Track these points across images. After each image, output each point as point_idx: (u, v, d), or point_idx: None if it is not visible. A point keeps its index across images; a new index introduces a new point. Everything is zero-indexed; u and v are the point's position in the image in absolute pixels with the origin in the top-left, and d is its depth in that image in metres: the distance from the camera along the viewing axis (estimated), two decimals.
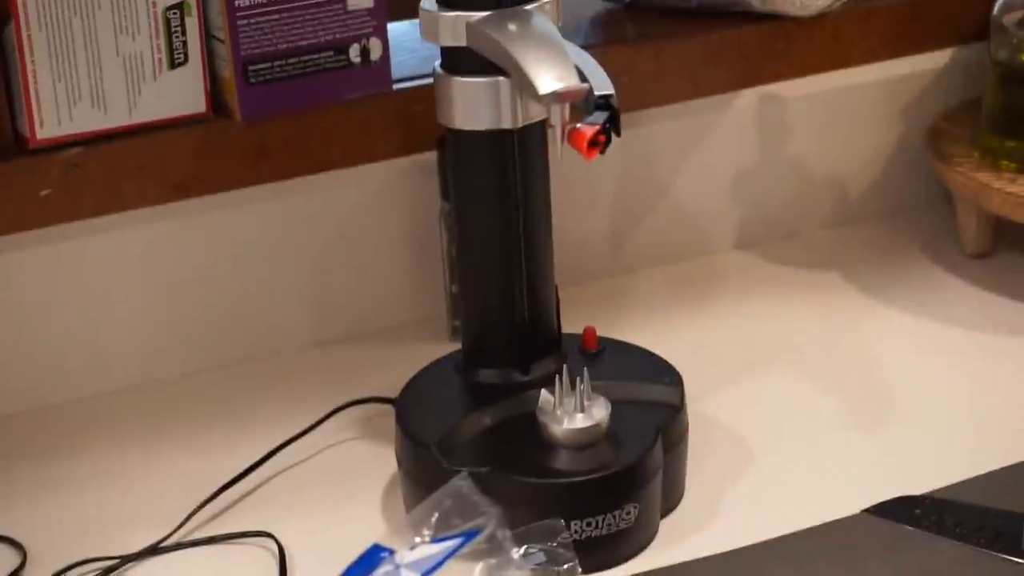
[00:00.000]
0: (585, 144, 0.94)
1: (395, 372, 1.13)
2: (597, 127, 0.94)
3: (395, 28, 1.23)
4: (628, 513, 1.00)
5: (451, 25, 1.00)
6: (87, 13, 1.11)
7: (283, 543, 1.04)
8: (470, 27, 0.99)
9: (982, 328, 1.24)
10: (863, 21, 1.35)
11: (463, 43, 0.99)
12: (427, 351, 1.16)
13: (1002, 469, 1.06)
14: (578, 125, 0.95)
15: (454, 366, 1.10)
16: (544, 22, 0.98)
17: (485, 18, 0.98)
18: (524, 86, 0.95)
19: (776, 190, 1.40)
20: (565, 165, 1.00)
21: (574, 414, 1.01)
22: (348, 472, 1.11)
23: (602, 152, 0.95)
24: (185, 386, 1.22)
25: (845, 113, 1.39)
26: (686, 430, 1.06)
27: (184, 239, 1.21)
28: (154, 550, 1.04)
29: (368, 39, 1.18)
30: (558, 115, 0.95)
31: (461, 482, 0.90)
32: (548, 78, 0.93)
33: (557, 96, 0.93)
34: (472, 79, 1.01)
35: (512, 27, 0.97)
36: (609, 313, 1.27)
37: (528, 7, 0.99)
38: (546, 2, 1.00)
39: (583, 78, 0.96)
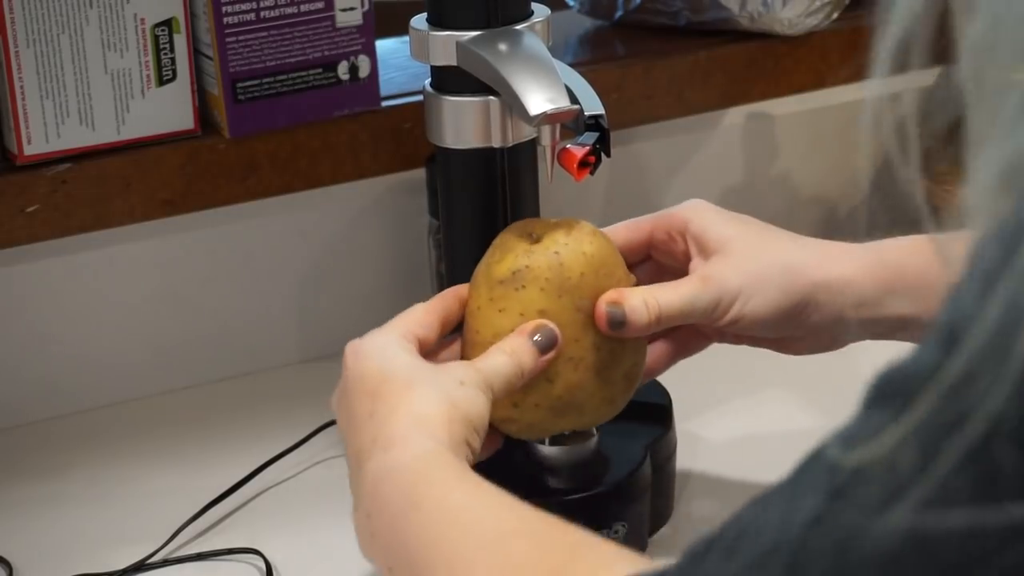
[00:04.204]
0: (575, 165, 0.94)
1: None
2: (587, 147, 0.94)
3: (384, 45, 1.23)
4: (616, 532, 1.00)
5: (441, 45, 1.00)
6: (75, 30, 1.11)
7: (270, 560, 1.03)
8: (460, 47, 0.99)
9: None
10: (850, 40, 1.35)
11: (453, 63, 0.99)
12: None
13: None
14: (568, 145, 0.95)
15: None
16: (535, 42, 0.98)
17: (475, 38, 0.98)
18: (514, 106, 0.95)
19: (764, 208, 1.40)
20: (553, 183, 1.00)
21: (562, 433, 1.01)
22: (335, 489, 1.11)
23: (592, 172, 0.95)
24: (172, 402, 1.22)
25: (832, 131, 1.39)
26: (675, 448, 1.06)
27: (171, 256, 1.21)
28: (141, 567, 1.04)
29: (357, 56, 1.19)
30: (548, 136, 0.95)
31: None
32: (538, 99, 0.93)
33: (547, 117, 0.93)
34: (462, 98, 1.01)
35: (502, 47, 0.97)
36: None
37: (518, 27, 1.00)
38: (536, 22, 1.00)
39: (573, 99, 0.96)
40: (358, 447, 0.84)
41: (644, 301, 0.93)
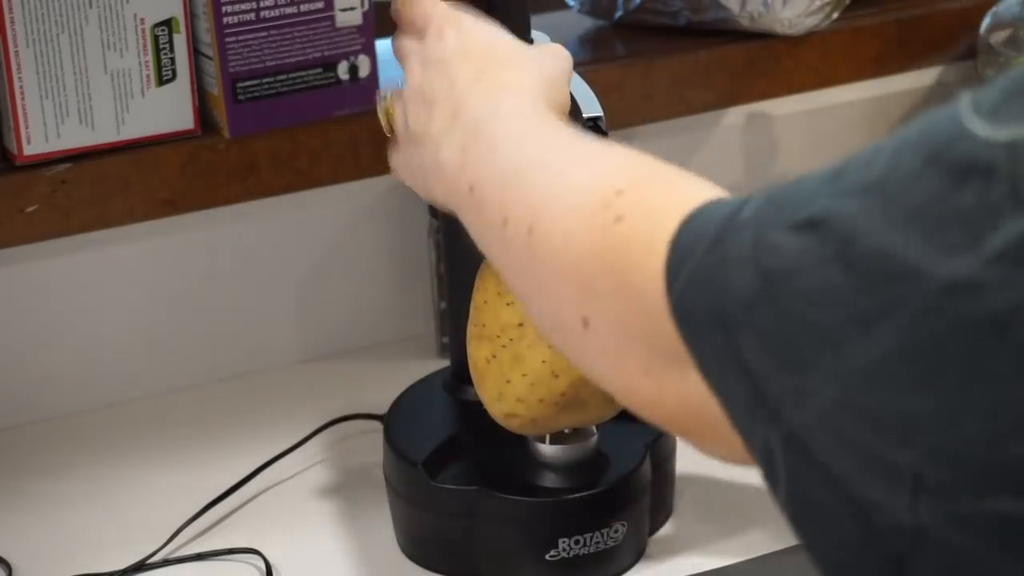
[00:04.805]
0: None
1: (383, 389, 1.13)
2: None
3: (384, 45, 1.23)
4: (616, 531, 1.00)
5: None
6: (75, 30, 1.11)
7: (270, 560, 1.03)
8: None
9: None
10: (850, 40, 1.35)
11: None
12: (415, 368, 1.16)
13: None
14: None
15: (442, 383, 1.10)
16: None
17: None
18: None
19: None
20: None
21: (562, 432, 1.01)
22: (336, 489, 1.11)
23: None
24: (172, 402, 1.22)
25: (832, 131, 1.39)
26: (674, 447, 1.06)
27: (171, 256, 1.21)
28: (141, 567, 1.04)
29: (356, 56, 1.19)
30: None
31: None
32: None
33: None
34: None
35: None
36: None
37: None
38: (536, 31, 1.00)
39: (573, 100, 0.96)
40: (459, 97, 0.88)
41: None
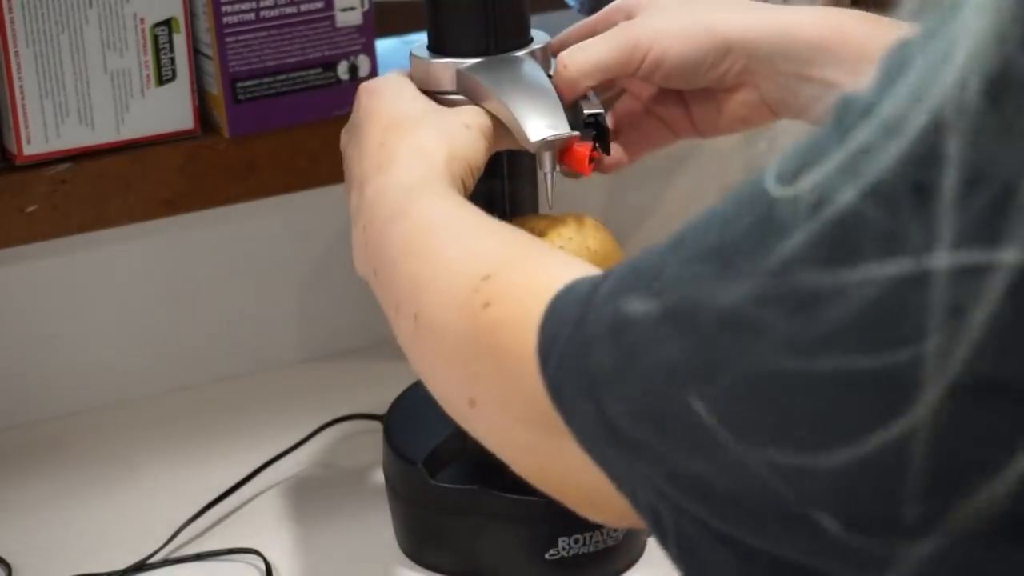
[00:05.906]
0: (585, 161, 0.94)
1: (383, 388, 1.13)
2: (589, 145, 0.94)
3: (384, 45, 1.23)
4: (616, 530, 1.00)
5: (441, 72, 0.99)
6: (75, 29, 1.11)
7: (270, 560, 1.03)
8: (460, 75, 0.98)
9: None
10: None
11: (453, 89, 0.99)
12: None
13: None
14: (574, 145, 0.95)
15: None
16: (534, 68, 0.98)
17: (475, 65, 0.98)
18: (515, 133, 0.95)
19: None
20: (552, 183, 1.00)
21: None
22: (335, 489, 1.11)
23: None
24: (172, 402, 1.22)
25: None
26: None
27: (171, 256, 1.21)
28: (141, 567, 1.04)
29: (356, 56, 1.19)
30: (548, 163, 0.95)
31: None
32: (538, 125, 0.93)
33: (547, 144, 0.93)
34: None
35: (502, 74, 0.97)
36: None
37: (518, 54, 0.99)
38: (535, 48, 1.00)
39: (575, 106, 0.96)
40: (363, 172, 0.90)
41: (560, 60, 0.97)
